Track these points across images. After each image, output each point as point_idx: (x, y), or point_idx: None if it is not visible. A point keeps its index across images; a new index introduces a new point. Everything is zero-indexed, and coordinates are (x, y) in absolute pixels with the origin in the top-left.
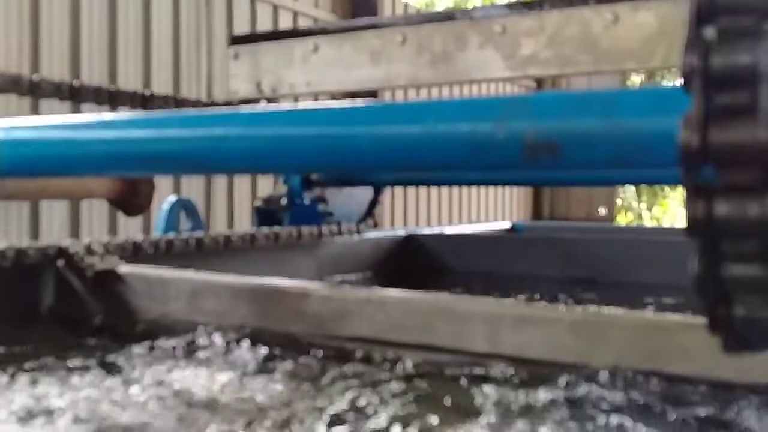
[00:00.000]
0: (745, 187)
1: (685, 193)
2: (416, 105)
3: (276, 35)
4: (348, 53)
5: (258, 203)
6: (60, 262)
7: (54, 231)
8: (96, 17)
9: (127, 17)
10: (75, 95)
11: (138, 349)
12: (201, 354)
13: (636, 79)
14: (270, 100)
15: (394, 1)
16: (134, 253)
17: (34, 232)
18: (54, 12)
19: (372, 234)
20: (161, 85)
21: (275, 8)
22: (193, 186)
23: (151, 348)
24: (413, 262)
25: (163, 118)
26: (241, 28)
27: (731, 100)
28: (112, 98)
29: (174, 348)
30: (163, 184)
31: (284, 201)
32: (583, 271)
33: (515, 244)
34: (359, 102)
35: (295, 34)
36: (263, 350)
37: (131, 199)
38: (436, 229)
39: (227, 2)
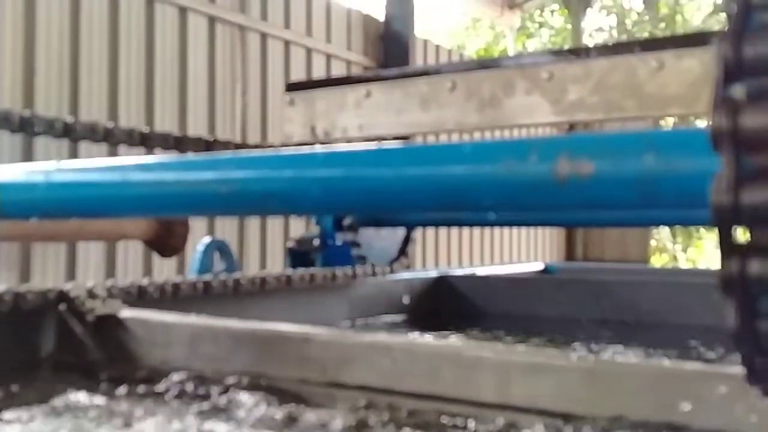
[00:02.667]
0: None
1: (719, 253)
2: (446, 147)
3: (330, 82)
4: (399, 99)
5: (290, 244)
6: (61, 306)
7: (90, 272)
8: (134, 62)
9: (164, 61)
10: (145, 141)
11: (137, 396)
12: (200, 402)
13: (670, 122)
14: (323, 143)
15: (425, 43)
16: (139, 297)
17: (71, 273)
18: (93, 57)
19: (404, 275)
20: (197, 128)
21: (309, 51)
22: (226, 227)
23: (150, 395)
24: (445, 304)
25: (197, 161)
26: (276, 71)
27: (763, 162)
28: (178, 143)
29: (173, 396)
30: (197, 225)
31: (316, 242)
32: (618, 313)
33: (548, 286)
34: (389, 144)
35: (348, 81)
36: (263, 398)
37: (166, 241)
38: (468, 270)
39: (261, 46)
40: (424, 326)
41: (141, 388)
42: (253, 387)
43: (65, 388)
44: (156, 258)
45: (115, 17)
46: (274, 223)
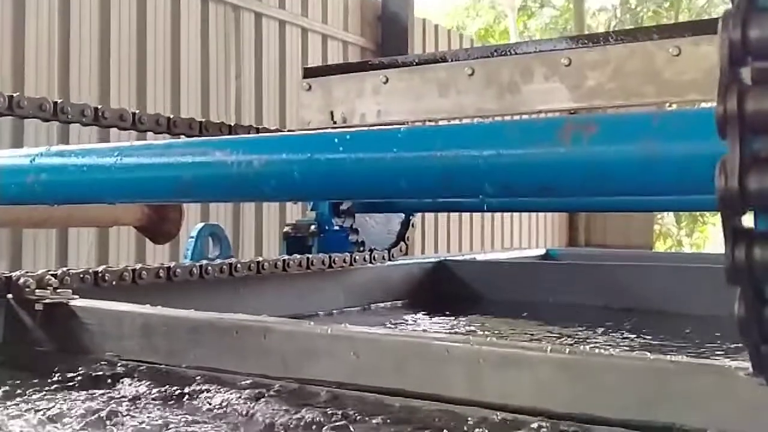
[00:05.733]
0: None
1: (724, 240)
2: (446, 128)
3: (347, 68)
4: (417, 85)
5: (286, 229)
6: (9, 295)
7: (82, 259)
8: (125, 43)
9: (156, 42)
10: (171, 128)
11: (85, 392)
12: (153, 399)
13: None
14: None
15: (424, 23)
16: (95, 284)
17: (63, 260)
18: (83, 38)
19: (403, 261)
20: (190, 110)
21: (304, 31)
22: (221, 212)
23: (100, 391)
24: (445, 289)
25: (189, 145)
26: (270, 52)
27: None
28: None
29: (124, 392)
30: (191, 210)
31: (313, 227)
32: (619, 299)
33: (549, 271)
34: (390, 127)
35: (366, 67)
36: (219, 394)
37: (159, 227)
38: (468, 256)
39: (255, 25)
40: (424, 312)
41: (90, 382)
42: (209, 382)
43: (9, 380)
44: (149, 244)
45: None
46: (270, 208)
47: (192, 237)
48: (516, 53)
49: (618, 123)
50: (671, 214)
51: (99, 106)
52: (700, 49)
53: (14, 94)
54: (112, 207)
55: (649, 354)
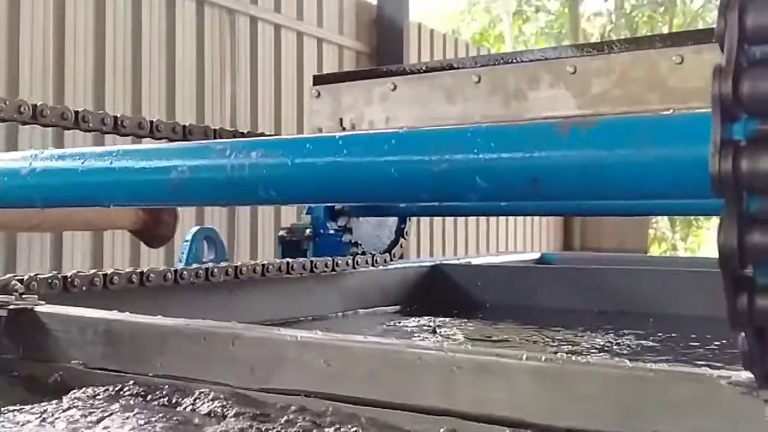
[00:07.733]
0: None
1: (712, 149)
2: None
3: (356, 75)
4: (425, 92)
5: (282, 233)
6: None
7: (77, 262)
8: (120, 47)
9: (151, 46)
10: (187, 137)
11: (47, 402)
12: (114, 410)
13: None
14: None
15: (419, 27)
16: (64, 290)
17: (57, 264)
18: (78, 42)
19: (398, 264)
20: (185, 115)
21: (299, 35)
22: (216, 215)
23: (61, 400)
24: (440, 293)
25: (185, 149)
26: (266, 56)
27: (764, 52)
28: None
29: (87, 402)
30: (186, 214)
31: (308, 231)
32: (614, 303)
33: (544, 275)
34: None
35: (374, 74)
36: (183, 404)
37: (153, 230)
38: (463, 260)
39: (251, 29)
40: (418, 317)
41: (52, 390)
42: (175, 391)
43: None
44: (144, 248)
45: (101, 1)
46: (265, 212)
47: (186, 241)
48: (522, 61)
49: (617, 121)
50: (666, 218)
51: (118, 115)
52: (702, 57)
53: (38, 104)
54: (106, 210)
55: (627, 361)
